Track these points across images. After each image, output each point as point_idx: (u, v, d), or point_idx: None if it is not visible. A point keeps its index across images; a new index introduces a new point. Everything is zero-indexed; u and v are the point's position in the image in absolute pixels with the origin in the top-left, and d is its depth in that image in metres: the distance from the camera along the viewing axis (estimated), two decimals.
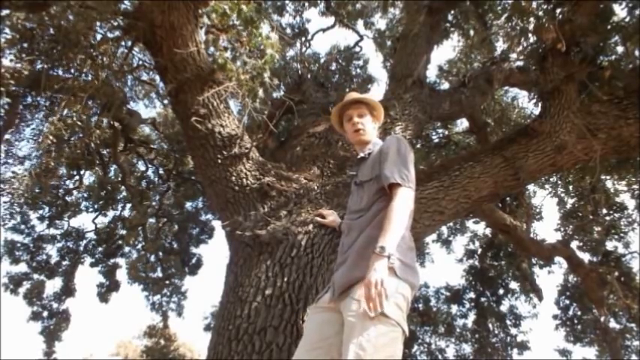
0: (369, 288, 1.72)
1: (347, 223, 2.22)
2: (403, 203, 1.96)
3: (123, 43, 4.01)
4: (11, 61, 4.03)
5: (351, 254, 2.02)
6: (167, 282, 9.38)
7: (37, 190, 6.70)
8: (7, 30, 3.81)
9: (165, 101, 7.23)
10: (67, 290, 8.61)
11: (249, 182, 3.57)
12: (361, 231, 2.05)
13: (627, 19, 4.05)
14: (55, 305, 8.65)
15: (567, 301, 8.87)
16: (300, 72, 7.18)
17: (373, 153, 2.26)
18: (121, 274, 9.04)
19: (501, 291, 9.18)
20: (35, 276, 8.40)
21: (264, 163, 3.80)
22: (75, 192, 8.12)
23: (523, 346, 9.02)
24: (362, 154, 2.33)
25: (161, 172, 8.52)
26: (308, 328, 2.04)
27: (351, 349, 1.70)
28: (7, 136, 5.02)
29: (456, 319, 9.57)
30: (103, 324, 42.85)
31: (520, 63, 5.69)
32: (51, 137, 4.31)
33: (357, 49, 8.28)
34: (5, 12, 3.74)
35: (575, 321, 8.76)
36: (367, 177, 2.18)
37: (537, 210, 8.15)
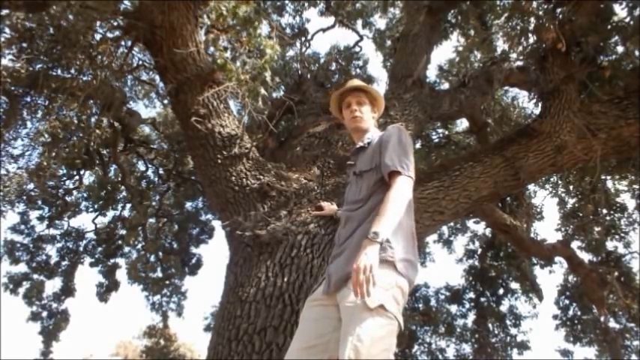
0: (357, 273, 1.69)
1: (345, 213, 2.18)
2: (401, 191, 1.93)
3: (123, 43, 4.01)
4: (10, 60, 4.03)
5: (348, 248, 1.99)
6: (167, 282, 9.36)
7: (32, 189, 6.67)
8: (6, 30, 3.81)
9: (165, 101, 7.23)
10: (67, 290, 8.60)
11: (249, 182, 3.57)
12: (359, 224, 2.01)
13: (627, 19, 4.05)
14: (54, 305, 8.64)
15: (567, 301, 8.86)
16: (300, 72, 7.17)
17: (373, 143, 2.21)
18: (121, 274, 9.05)
19: (501, 291, 9.17)
20: (35, 276, 8.39)
21: (264, 163, 3.80)
22: (75, 192, 8.12)
23: (523, 346, 9.02)
24: (361, 144, 2.27)
25: (161, 172, 8.51)
26: (304, 322, 1.99)
27: (349, 340, 1.69)
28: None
29: (456, 319, 9.57)
30: (103, 324, 42.89)
31: (520, 63, 5.68)
32: (45, 136, 4.30)
33: (357, 49, 8.32)
34: (5, 12, 3.74)
35: (575, 321, 8.75)
36: (367, 167, 2.14)
37: (537, 210, 8.14)
